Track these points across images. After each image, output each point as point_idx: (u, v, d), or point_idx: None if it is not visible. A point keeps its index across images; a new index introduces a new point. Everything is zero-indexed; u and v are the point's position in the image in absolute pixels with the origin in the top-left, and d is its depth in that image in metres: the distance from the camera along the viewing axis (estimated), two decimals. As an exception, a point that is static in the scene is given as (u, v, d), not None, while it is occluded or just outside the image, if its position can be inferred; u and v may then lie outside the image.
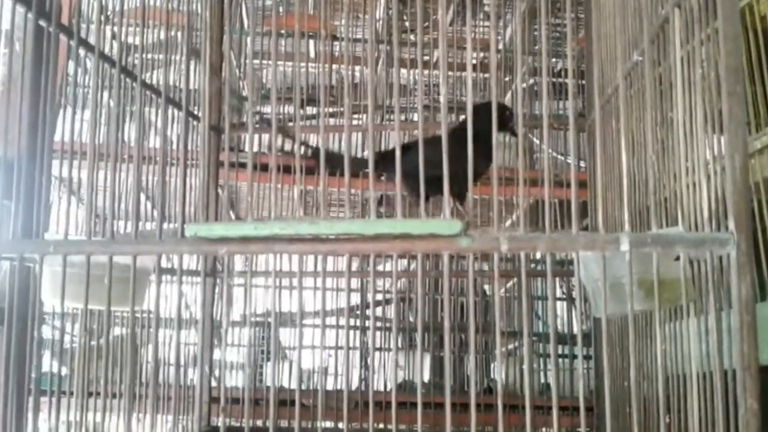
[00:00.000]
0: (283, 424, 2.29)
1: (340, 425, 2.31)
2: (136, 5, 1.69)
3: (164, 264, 1.94)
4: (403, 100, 3.06)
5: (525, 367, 1.08)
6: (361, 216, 2.99)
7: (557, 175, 2.50)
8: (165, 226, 1.21)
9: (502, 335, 2.76)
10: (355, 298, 2.93)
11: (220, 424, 2.15)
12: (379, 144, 3.15)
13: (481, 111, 1.09)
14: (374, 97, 2.97)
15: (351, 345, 2.67)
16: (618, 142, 1.60)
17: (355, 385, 2.81)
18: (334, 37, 3.11)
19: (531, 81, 3.00)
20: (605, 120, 1.78)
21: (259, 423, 2.39)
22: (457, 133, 1.03)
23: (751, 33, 1.95)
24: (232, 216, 3.32)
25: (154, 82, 2.01)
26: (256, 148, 3.00)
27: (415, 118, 3.01)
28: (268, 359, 3.15)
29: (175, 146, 2.01)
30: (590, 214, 2.04)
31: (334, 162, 1.71)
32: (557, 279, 2.71)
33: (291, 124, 2.77)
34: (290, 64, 3.25)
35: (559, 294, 2.89)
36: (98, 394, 1.67)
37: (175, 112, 1.96)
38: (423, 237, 0.97)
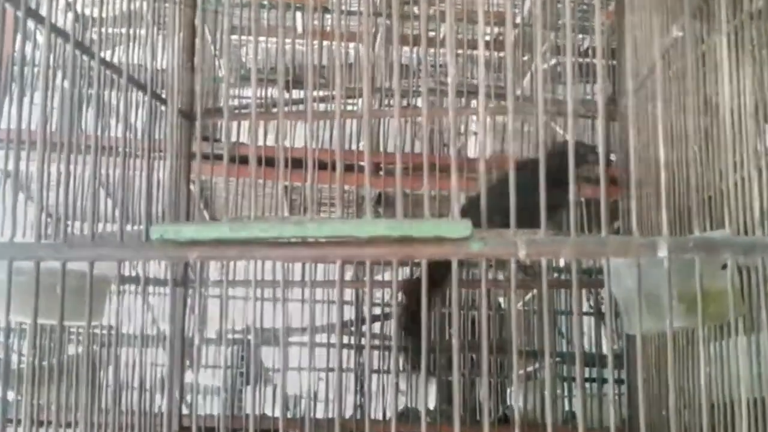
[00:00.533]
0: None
1: (331, 459, 2.31)
2: (95, -29, 1.68)
3: (126, 272, 1.94)
4: (405, 83, 3.05)
5: (546, 392, 1.08)
6: (356, 216, 2.99)
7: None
8: (127, 227, 1.20)
9: (520, 356, 2.76)
10: (349, 312, 2.92)
11: (191, 458, 2.14)
12: (376, 134, 3.15)
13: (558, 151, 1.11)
14: (371, 79, 2.97)
15: (344, 366, 2.67)
16: (654, 131, 1.59)
17: (348, 412, 2.80)
18: (325, 9, 3.11)
19: (553, 61, 3.00)
20: (639, 106, 1.78)
21: (237, 457, 2.38)
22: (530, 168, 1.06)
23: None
24: (206, 216, 3.31)
25: (115, 60, 2.01)
26: (233, 138, 3.00)
27: (419, 104, 3.01)
28: (248, 383, 3.14)
29: (139, 135, 2.01)
30: (622, 216, 2.04)
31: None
32: (584, 290, 2.71)
33: (275, 109, 2.76)
34: (273, 40, 3.25)
35: (585, 308, 2.89)
36: (50, 422, 1.67)
37: (140, 95, 1.96)
38: (427, 240, 0.97)
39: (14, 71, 1.29)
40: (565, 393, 2.74)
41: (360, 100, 3.10)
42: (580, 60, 2.90)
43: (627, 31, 1.87)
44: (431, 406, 2.87)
